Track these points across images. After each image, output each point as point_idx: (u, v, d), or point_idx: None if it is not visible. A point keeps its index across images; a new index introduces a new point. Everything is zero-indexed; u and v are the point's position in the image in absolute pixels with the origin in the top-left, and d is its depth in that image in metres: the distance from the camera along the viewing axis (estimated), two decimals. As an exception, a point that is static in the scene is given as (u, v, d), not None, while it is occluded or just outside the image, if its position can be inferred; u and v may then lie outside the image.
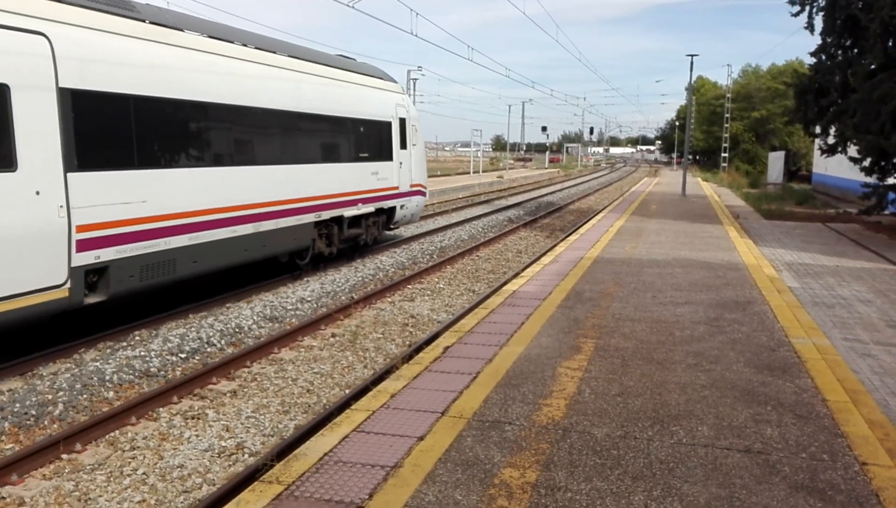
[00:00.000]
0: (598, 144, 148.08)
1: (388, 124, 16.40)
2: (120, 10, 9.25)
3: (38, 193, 7.81)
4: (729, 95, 56.53)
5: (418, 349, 8.55)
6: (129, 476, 5.94)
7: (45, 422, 6.88)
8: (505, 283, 12.33)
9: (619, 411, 5.55)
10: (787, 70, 52.56)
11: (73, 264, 8.26)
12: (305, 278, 13.55)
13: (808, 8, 19.93)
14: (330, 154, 14.08)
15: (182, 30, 10.35)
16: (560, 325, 8.18)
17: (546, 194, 38.31)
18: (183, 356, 8.89)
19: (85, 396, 7.45)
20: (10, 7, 7.46)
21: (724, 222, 20.14)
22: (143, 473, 5.98)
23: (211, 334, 9.65)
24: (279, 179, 12.23)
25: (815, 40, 20.21)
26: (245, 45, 11.69)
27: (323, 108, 13.65)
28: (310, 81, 13.31)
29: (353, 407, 5.68)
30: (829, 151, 20.56)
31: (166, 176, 9.80)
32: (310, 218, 13.25)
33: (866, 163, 18.87)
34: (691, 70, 34.25)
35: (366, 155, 15.35)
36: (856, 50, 19.15)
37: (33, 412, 6.93)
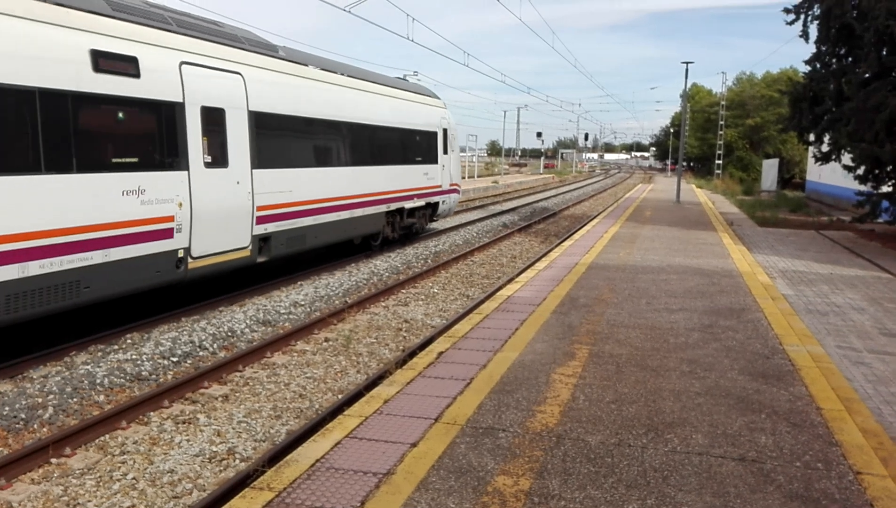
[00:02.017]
0: (593, 150, 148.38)
1: (435, 134, 19.89)
2: (272, 53, 12.62)
3: (238, 183, 11.18)
4: (723, 103, 56.76)
5: (412, 355, 8.51)
6: (118, 480, 5.88)
7: (35, 426, 6.81)
8: (499, 288, 12.30)
9: (614, 418, 5.53)
10: (782, 78, 52.92)
11: (253, 233, 11.59)
12: (299, 282, 13.53)
13: (802, 16, 20.00)
14: (396, 157, 17.33)
15: (306, 65, 13.66)
16: (554, 331, 8.15)
17: (541, 200, 38.32)
18: (175, 359, 8.83)
19: (75, 399, 7.38)
20: (223, 56, 10.99)
21: (719, 229, 20.17)
22: (133, 478, 5.92)
23: (203, 337, 9.59)
24: (365, 177, 15.59)
25: (810, 49, 20.24)
26: (342, 74, 15.07)
27: (392, 120, 17.02)
28: (383, 100, 16.72)
29: (345, 413, 5.64)
30: (824, 159, 20.63)
31: (301, 173, 13.02)
32: (382, 208, 16.65)
33: (860, 171, 18.95)
34: (686, 77, 34.38)
35: (420, 159, 18.77)
36: (850, 58, 19.22)
37: (22, 416, 6.86)
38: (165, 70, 9.75)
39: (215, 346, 9.48)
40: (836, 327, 8.81)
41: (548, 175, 76.67)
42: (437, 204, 20.30)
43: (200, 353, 9.21)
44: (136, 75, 9.21)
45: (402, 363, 7.74)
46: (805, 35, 20.25)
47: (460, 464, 4.68)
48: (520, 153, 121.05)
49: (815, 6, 19.55)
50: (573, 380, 6.40)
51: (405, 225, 18.40)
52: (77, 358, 8.75)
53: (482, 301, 11.37)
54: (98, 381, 7.82)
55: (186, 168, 10.10)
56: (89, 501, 5.55)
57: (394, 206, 17.22)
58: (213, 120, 10.62)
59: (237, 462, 6.29)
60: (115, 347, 9.20)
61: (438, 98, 21.15)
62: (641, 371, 6.70)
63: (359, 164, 15.35)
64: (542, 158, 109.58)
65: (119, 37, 9.03)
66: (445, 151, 20.60)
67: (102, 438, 6.67)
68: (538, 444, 5.01)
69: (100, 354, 8.91)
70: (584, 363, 6.94)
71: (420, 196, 18.86)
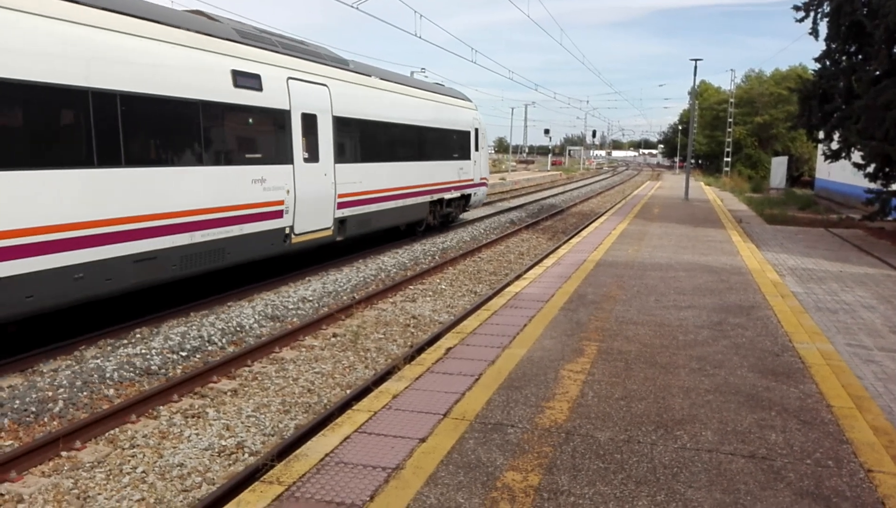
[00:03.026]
0: (601, 147, 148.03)
1: (468, 133, 22.37)
2: (345, 67, 15.04)
3: (325, 175, 13.61)
4: (732, 100, 56.44)
5: (420, 350, 8.51)
6: (128, 474, 5.91)
7: (45, 419, 6.85)
8: (507, 285, 12.31)
9: (623, 414, 5.52)
10: (791, 75, 52.64)
11: (335, 216, 14.07)
12: (307, 278, 13.56)
13: (812, 14, 19.88)
14: (438, 154, 19.73)
15: (370, 76, 16.11)
16: (563, 327, 8.14)
17: (548, 197, 38.26)
18: (184, 354, 8.86)
19: (85, 393, 7.42)
20: (314, 71, 13.39)
21: (727, 227, 20.10)
22: (143, 471, 5.95)
23: (212, 332, 9.62)
24: (414, 171, 18.01)
25: (820, 46, 20.20)
26: (394, 83, 17.43)
27: (435, 122, 19.51)
28: (427, 104, 19.23)
29: (354, 408, 5.65)
30: (833, 156, 20.51)
31: (368, 167, 15.43)
32: (427, 198, 19.09)
33: (870, 169, 18.82)
34: (695, 74, 34.36)
35: (456, 155, 21.27)
36: (860, 56, 19.09)
37: (33, 409, 6.90)
38: (278, 84, 12.17)
39: (224, 341, 9.51)
40: (846, 324, 8.77)
41: (555, 172, 76.54)
42: (469, 196, 22.83)
43: (209, 348, 9.24)
44: (260, 89, 11.62)
45: (410, 358, 7.74)
46: (815, 32, 20.14)
47: (469, 459, 4.68)
48: (527, 150, 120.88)
49: (825, 3, 19.44)
50: (582, 376, 6.39)
51: (444, 214, 21.06)
52: (87, 352, 8.80)
53: (490, 298, 11.36)
54: (108, 375, 7.86)
55: (292, 162, 12.51)
56: (99, 494, 5.58)
57: (436, 197, 19.74)
58: (309, 124, 13.04)
59: (246, 456, 6.31)
60: (125, 341, 9.24)
61: (471, 101, 23.56)
62: (650, 368, 6.69)
63: (409, 159, 17.80)
64: (550, 155, 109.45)
65: (248, 59, 11.44)
66: (476, 149, 23.02)
67: (112, 431, 6.70)
68: (547, 440, 5.01)
69: (109, 348, 8.95)
70: (592, 359, 6.93)
71: (456, 188, 21.36)
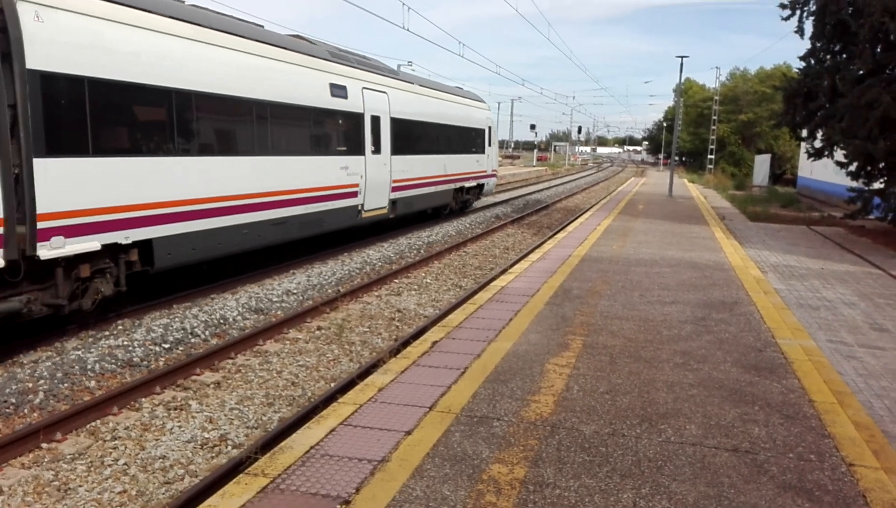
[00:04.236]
0: (586, 143, 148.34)
1: (483, 130, 25.66)
2: (395, 75, 18.59)
3: (385, 164, 16.91)
4: (716, 98, 56.79)
5: (406, 344, 8.48)
6: (109, 466, 5.85)
7: (25, 410, 6.77)
8: (493, 279, 12.31)
9: (608, 408, 5.54)
10: (775, 74, 53.02)
11: (390, 198, 17.35)
12: (291, 271, 13.49)
13: (798, 12, 19.99)
14: (461, 148, 23.12)
15: (412, 83, 19.63)
16: (548, 322, 8.16)
17: (534, 192, 38.32)
18: (166, 346, 8.79)
19: (66, 385, 7.34)
20: (377, 81, 16.71)
21: (711, 223, 20.23)
22: (125, 463, 5.90)
23: (195, 324, 9.55)
24: (443, 163, 21.32)
25: (804, 45, 20.32)
26: (430, 88, 21.05)
27: (459, 120, 22.95)
28: (452, 105, 22.73)
29: (340, 401, 5.63)
30: (816, 155, 20.65)
31: (412, 159, 18.70)
32: (452, 186, 22.51)
33: (853, 167, 18.97)
34: (681, 71, 34.49)
35: (474, 149, 24.59)
36: (845, 55, 19.24)
37: (13, 401, 6.81)
38: (356, 93, 15.53)
39: (207, 333, 9.44)
40: (828, 321, 8.86)
41: (541, 168, 76.67)
42: (483, 185, 26.25)
43: (192, 340, 9.17)
44: (346, 97, 15.02)
45: (395, 351, 7.72)
46: (801, 31, 20.27)
47: (455, 452, 4.67)
48: (513, 145, 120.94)
49: (811, 2, 19.54)
50: (567, 370, 6.41)
51: (463, 200, 24.50)
52: (68, 344, 8.70)
53: (476, 292, 11.36)
54: (89, 367, 7.77)
55: (364, 154, 15.87)
56: (80, 486, 5.52)
57: (458, 185, 23.09)
58: (375, 123, 16.34)
59: (229, 448, 6.27)
60: (107, 333, 9.15)
61: (485, 102, 27.02)
62: (635, 362, 6.71)
63: (440, 152, 21.07)
64: (536, 151, 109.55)
65: (338, 74, 14.84)
66: (489, 144, 26.44)
67: (94, 423, 6.64)
68: (533, 433, 5.01)
69: (91, 340, 8.86)
70: (578, 353, 6.95)
71: (473, 178, 24.73)
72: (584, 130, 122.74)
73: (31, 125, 7.63)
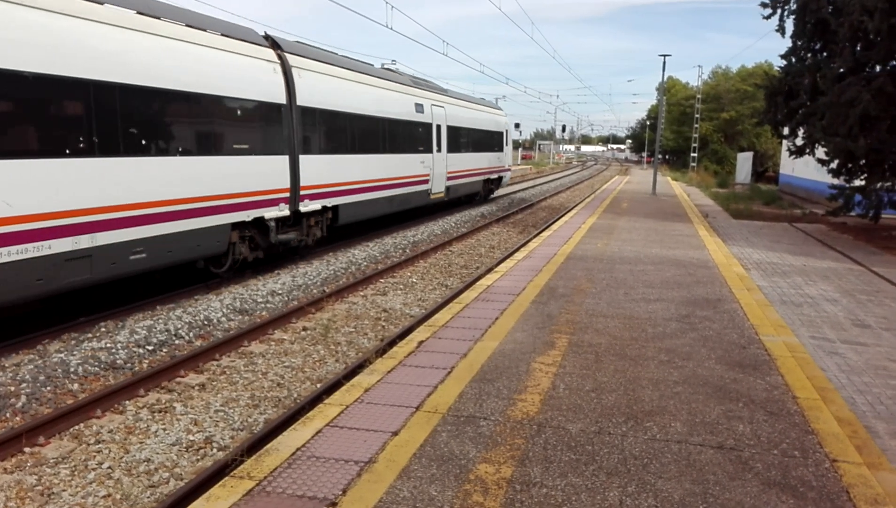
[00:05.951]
0: (570, 141, 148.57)
1: (502, 133, 31.77)
2: (445, 92, 24.84)
3: (443, 160, 22.96)
4: (699, 96, 57.18)
5: (392, 344, 8.48)
6: (93, 470, 5.80)
7: (7, 415, 6.69)
8: (479, 278, 12.32)
9: (594, 406, 5.56)
10: (756, 72, 53.32)
11: (446, 185, 23.39)
12: (276, 271, 13.43)
13: (779, 11, 20.14)
14: (488, 147, 29.10)
15: (457, 98, 25.77)
16: (534, 320, 8.17)
17: (518, 191, 38.39)
18: (150, 348, 8.72)
19: (49, 388, 7.26)
20: (439, 98, 23.38)
21: (694, 221, 20.36)
22: (109, 467, 5.84)
23: (179, 326, 9.48)
24: (477, 159, 27.25)
25: (785, 43, 20.52)
26: (466, 101, 27.13)
27: (485, 124, 28.88)
28: (481, 113, 28.81)
29: (326, 402, 5.60)
30: (798, 152, 20.82)
31: (458, 156, 24.70)
32: (482, 178, 28.45)
33: (834, 165, 19.15)
34: (664, 70, 34.55)
35: (496, 148, 30.55)
36: (825, 53, 19.40)
37: (-6, 405, 6.74)
38: (428, 109, 21.56)
39: (191, 335, 9.37)
40: (810, 317, 8.94)
41: (525, 166, 76.79)
42: (501, 177, 32.27)
43: (176, 342, 9.11)
44: (423, 112, 21.02)
45: (381, 352, 7.71)
46: (781, 29, 20.41)
47: (442, 452, 4.67)
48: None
49: (792, 1, 19.71)
50: (553, 369, 6.42)
51: (488, 189, 30.39)
52: (50, 346, 8.61)
53: (461, 291, 11.36)
54: (72, 369, 7.70)
55: (431, 152, 21.76)
56: (64, 490, 5.47)
57: (486, 176, 28.98)
58: (438, 130, 22.43)
59: (214, 450, 6.23)
60: (89, 335, 9.06)
61: (502, 109, 34.11)
62: (620, 360, 6.74)
63: (475, 151, 27.01)
64: (520, 150, 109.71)
65: (418, 95, 20.95)
66: (507, 144, 32.54)
67: (77, 427, 6.57)
68: (519, 432, 5.02)
69: (73, 342, 8.77)
70: (563, 352, 6.97)
71: (496, 172, 30.68)
72: (568, 129, 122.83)
73: (296, 137, 13.44)
